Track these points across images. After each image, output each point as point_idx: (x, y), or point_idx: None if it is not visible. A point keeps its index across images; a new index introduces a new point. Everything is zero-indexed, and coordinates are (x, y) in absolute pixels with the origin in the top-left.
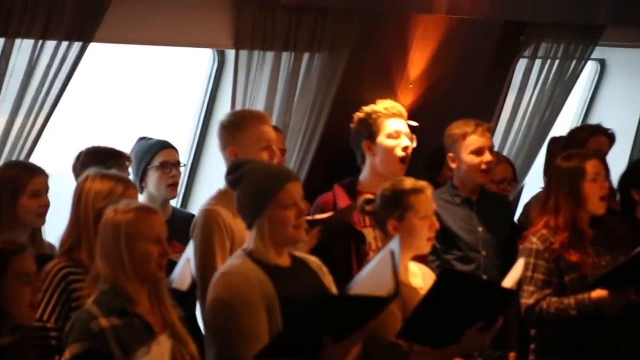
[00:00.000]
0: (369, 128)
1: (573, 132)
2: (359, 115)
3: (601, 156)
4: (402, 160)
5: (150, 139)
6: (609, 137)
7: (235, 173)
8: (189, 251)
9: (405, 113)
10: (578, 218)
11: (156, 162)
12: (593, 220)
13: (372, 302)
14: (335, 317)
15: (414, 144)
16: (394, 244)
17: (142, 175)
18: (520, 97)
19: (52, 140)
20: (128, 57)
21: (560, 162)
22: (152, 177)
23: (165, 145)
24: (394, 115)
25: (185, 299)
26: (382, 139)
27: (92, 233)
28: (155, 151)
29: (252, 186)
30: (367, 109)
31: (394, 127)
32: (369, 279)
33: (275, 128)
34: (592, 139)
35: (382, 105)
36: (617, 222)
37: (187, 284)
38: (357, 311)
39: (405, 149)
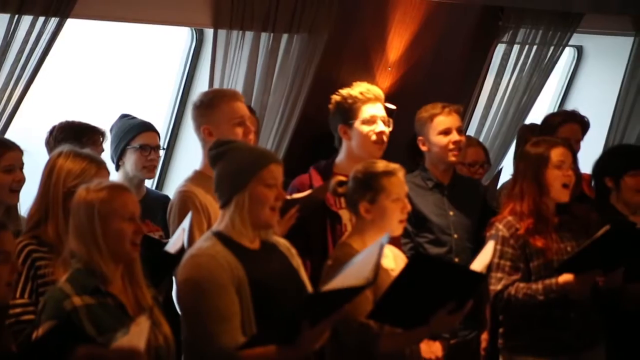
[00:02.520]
0: (345, 113)
1: (547, 118)
2: (335, 98)
3: (570, 144)
4: (377, 143)
5: (133, 117)
6: (582, 125)
7: (219, 149)
8: (186, 222)
9: (382, 96)
10: (542, 204)
11: (136, 143)
12: (559, 207)
13: (349, 291)
14: (315, 309)
15: (390, 128)
16: (383, 239)
17: (121, 154)
18: (498, 82)
19: (28, 116)
20: (105, 34)
21: (527, 148)
22: (130, 158)
23: (147, 128)
24: (369, 100)
25: (172, 260)
26: (357, 124)
27: (60, 211)
28: (137, 132)
29: (236, 162)
30: (344, 92)
31: (369, 112)
32: (353, 269)
33: (249, 108)
34: (563, 125)
35: (358, 90)
36: (583, 208)
37: (177, 249)
38: (334, 300)
39: (380, 133)
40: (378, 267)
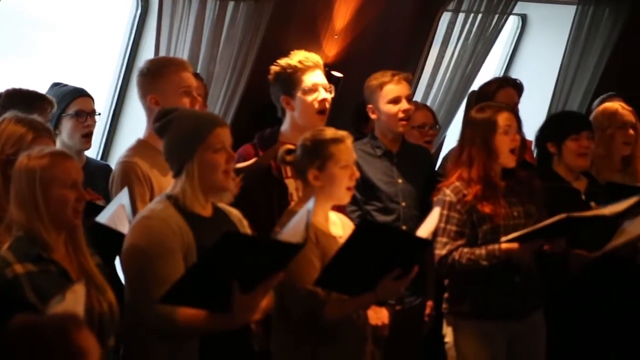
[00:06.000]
0: (285, 83)
1: (482, 88)
2: (274, 69)
3: (514, 109)
4: (320, 112)
5: (65, 85)
6: (516, 87)
7: (163, 119)
8: (124, 198)
9: (321, 62)
10: (491, 170)
11: (71, 110)
12: (504, 173)
13: (278, 248)
14: (241, 260)
15: (332, 94)
16: (310, 204)
17: (56, 123)
18: (443, 50)
19: None
20: (50, 1)
21: (473, 114)
22: (67, 126)
23: (81, 93)
24: (309, 68)
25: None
26: (299, 94)
27: None
28: (71, 99)
29: (181, 131)
30: (282, 62)
31: (310, 80)
32: (285, 235)
33: (197, 75)
34: (499, 92)
35: (296, 59)
36: (527, 174)
37: (126, 228)
38: (264, 257)
39: (322, 101)
40: (308, 230)
